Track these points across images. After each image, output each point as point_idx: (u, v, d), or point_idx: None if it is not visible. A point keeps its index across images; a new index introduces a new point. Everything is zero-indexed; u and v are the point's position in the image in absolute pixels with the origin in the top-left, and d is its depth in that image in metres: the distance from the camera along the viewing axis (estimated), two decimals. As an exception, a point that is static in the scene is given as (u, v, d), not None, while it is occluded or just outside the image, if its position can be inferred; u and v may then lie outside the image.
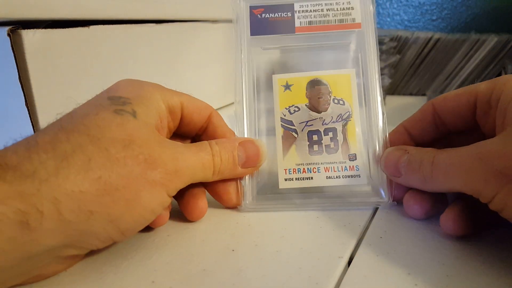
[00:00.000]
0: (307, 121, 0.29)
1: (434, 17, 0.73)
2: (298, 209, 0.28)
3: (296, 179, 0.28)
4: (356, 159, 0.28)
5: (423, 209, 0.26)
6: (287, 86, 0.30)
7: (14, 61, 0.27)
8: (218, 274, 0.21)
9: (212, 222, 0.27)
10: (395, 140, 0.28)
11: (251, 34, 0.30)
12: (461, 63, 0.62)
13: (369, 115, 0.29)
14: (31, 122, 0.28)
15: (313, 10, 0.30)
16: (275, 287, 0.20)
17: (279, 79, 0.30)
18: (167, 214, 0.25)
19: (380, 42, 0.58)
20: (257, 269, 0.22)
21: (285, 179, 0.28)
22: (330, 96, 0.29)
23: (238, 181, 0.28)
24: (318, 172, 0.28)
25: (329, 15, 0.30)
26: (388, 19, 0.78)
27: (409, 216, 0.26)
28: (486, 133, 0.25)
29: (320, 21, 0.30)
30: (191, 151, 0.24)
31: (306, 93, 0.30)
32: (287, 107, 0.29)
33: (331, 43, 0.30)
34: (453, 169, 0.22)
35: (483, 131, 0.26)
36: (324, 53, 0.31)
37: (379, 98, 0.29)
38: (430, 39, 0.61)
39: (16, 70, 0.27)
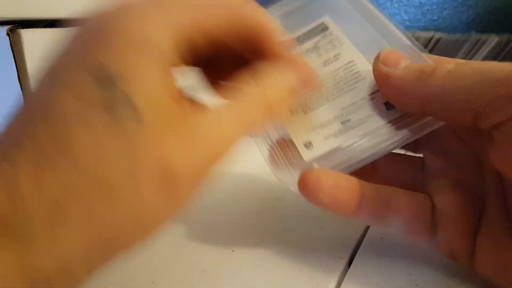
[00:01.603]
0: None
1: (435, 17, 0.73)
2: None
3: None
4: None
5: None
6: None
7: (13, 60, 0.27)
8: (218, 274, 0.21)
9: (212, 222, 0.27)
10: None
11: None
12: (462, 63, 0.62)
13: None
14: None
15: None
16: (275, 287, 0.20)
17: None
18: None
19: (381, 42, 0.58)
20: (257, 269, 0.22)
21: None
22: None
23: None
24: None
25: None
26: (389, 19, 0.78)
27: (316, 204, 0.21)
28: None
29: None
30: (228, 117, 0.17)
31: None
32: None
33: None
34: (461, 77, 0.18)
35: None
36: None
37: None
38: (431, 39, 0.61)
39: (15, 70, 0.27)
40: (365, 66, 0.22)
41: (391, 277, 0.21)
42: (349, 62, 0.23)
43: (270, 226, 0.26)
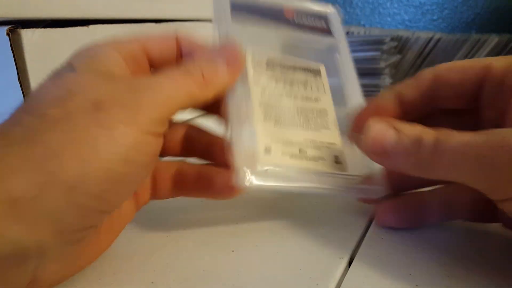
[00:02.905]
0: None
1: (435, 17, 0.73)
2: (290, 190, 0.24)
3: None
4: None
5: (399, 219, 0.25)
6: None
7: (13, 60, 0.27)
8: (218, 274, 0.21)
9: (212, 222, 0.27)
10: (382, 105, 0.24)
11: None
12: (462, 63, 0.61)
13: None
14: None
15: None
16: (275, 287, 0.20)
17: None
18: (171, 170, 0.24)
19: (381, 42, 0.58)
20: (257, 269, 0.22)
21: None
22: None
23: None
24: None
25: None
26: (389, 19, 0.78)
27: (383, 226, 0.25)
28: (486, 118, 0.23)
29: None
30: (157, 75, 0.20)
31: None
32: None
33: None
34: (465, 158, 0.18)
35: (483, 115, 0.23)
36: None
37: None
38: (431, 39, 0.61)
39: (15, 70, 0.27)
40: (333, 119, 0.26)
41: (391, 277, 0.21)
42: (324, 110, 0.26)
43: (270, 226, 0.26)
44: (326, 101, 0.27)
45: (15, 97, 0.27)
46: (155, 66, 0.23)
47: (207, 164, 0.25)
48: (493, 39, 0.59)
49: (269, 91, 0.26)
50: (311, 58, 0.28)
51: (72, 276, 0.20)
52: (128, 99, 0.18)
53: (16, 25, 0.26)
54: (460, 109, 0.24)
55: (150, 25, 0.37)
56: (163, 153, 0.25)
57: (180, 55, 0.24)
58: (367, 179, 0.24)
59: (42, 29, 0.27)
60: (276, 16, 0.28)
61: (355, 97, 0.28)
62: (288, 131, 0.24)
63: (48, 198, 0.16)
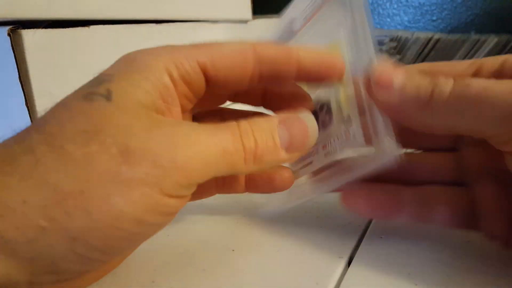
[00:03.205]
0: None
1: (434, 18, 0.73)
2: (311, 199, 0.25)
3: (300, 168, 0.25)
4: (350, 120, 0.23)
5: (368, 206, 0.23)
6: None
7: (14, 61, 0.27)
8: (218, 274, 0.21)
9: (212, 222, 0.27)
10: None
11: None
12: (461, 64, 0.62)
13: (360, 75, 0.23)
14: (31, 122, 0.28)
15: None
16: (275, 287, 0.20)
17: None
18: (211, 184, 0.23)
19: (380, 43, 0.58)
20: (257, 269, 0.22)
21: (292, 172, 0.25)
22: None
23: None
24: (317, 153, 0.24)
25: None
26: (388, 20, 0.78)
27: (350, 209, 0.23)
28: None
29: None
30: (204, 132, 0.17)
31: None
32: None
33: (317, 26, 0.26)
34: (491, 95, 0.16)
35: None
36: (311, 37, 0.26)
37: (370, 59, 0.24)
38: (430, 39, 0.61)
39: (16, 70, 0.27)
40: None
41: (391, 277, 0.21)
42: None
43: (270, 226, 0.26)
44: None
45: (16, 98, 0.27)
46: (216, 86, 0.20)
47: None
48: (492, 40, 0.59)
49: None
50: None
51: None
52: (161, 155, 0.16)
53: (17, 26, 0.26)
54: None
55: (150, 26, 0.37)
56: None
57: (257, 76, 0.20)
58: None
59: (43, 30, 0.27)
60: None
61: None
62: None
63: (46, 244, 0.15)
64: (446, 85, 0.18)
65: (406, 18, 0.75)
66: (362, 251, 0.23)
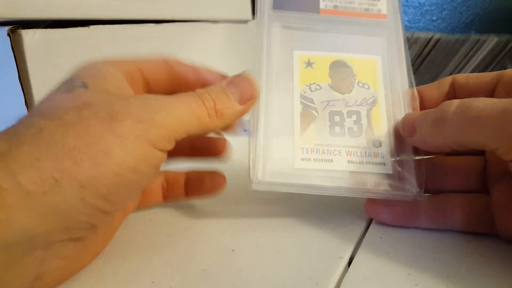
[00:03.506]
0: (329, 101, 0.27)
1: (434, 18, 0.73)
2: (314, 192, 0.25)
3: (314, 159, 0.26)
4: (381, 146, 0.26)
5: (390, 215, 0.25)
6: (309, 63, 0.28)
7: (14, 61, 0.27)
8: (218, 274, 0.21)
9: (212, 222, 0.27)
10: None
11: (274, 8, 0.29)
12: (461, 64, 0.62)
13: (395, 103, 0.27)
14: (31, 122, 0.28)
15: None
16: (275, 287, 0.20)
17: (300, 56, 0.28)
18: (158, 188, 0.27)
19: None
20: (257, 269, 0.22)
21: (302, 159, 0.25)
22: (355, 79, 0.28)
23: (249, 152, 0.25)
24: (339, 155, 0.26)
25: (354, 2, 0.29)
26: (388, 20, 0.77)
27: (372, 217, 0.26)
28: None
29: (345, 6, 0.29)
30: (170, 97, 0.21)
31: (329, 73, 0.28)
32: (308, 84, 0.27)
33: (356, 28, 0.29)
34: (488, 116, 0.20)
35: None
36: (349, 37, 0.29)
37: (405, 87, 0.28)
38: (430, 39, 0.61)
39: (16, 70, 0.27)
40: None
41: (391, 277, 0.21)
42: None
43: (270, 226, 0.26)
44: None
45: (16, 98, 0.27)
46: (149, 86, 0.25)
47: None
48: (492, 40, 0.59)
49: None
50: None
51: (72, 275, 0.21)
52: (142, 115, 0.19)
53: (16, 26, 0.26)
54: None
55: (150, 26, 0.37)
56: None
57: (173, 79, 0.25)
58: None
59: (43, 30, 0.27)
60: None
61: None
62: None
63: (60, 195, 0.17)
64: (450, 107, 0.21)
65: (406, 18, 0.75)
66: (363, 251, 0.23)
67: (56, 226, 0.17)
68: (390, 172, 0.25)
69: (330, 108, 0.27)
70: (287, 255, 0.23)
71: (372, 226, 0.26)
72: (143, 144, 0.19)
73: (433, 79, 0.64)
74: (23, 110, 0.27)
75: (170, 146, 0.21)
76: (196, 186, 0.27)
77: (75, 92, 0.20)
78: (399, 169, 0.25)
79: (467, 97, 0.24)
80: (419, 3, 0.73)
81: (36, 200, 0.16)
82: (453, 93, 0.27)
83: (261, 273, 0.21)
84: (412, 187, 0.25)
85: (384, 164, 0.26)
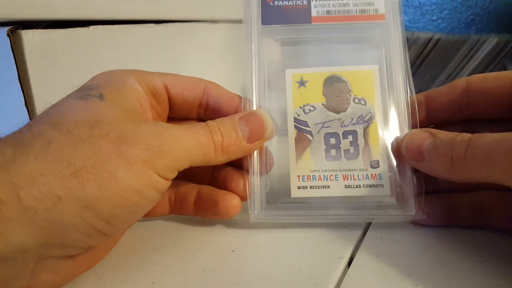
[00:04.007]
0: (324, 122, 0.26)
1: (434, 18, 0.73)
2: (313, 220, 0.25)
3: (310, 187, 0.25)
4: (379, 166, 0.25)
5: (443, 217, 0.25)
6: (302, 83, 0.27)
7: (14, 61, 0.27)
8: (218, 274, 0.21)
9: (212, 222, 0.27)
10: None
11: (262, 23, 0.27)
12: (462, 63, 0.62)
13: (394, 117, 0.26)
14: (31, 122, 0.28)
15: None
16: (275, 287, 0.20)
17: (293, 74, 0.27)
18: (165, 201, 0.25)
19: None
20: (257, 269, 0.22)
21: (298, 187, 0.25)
22: (350, 95, 0.27)
23: (247, 179, 0.25)
24: (335, 180, 0.25)
25: (349, 4, 0.27)
26: (388, 20, 0.77)
27: (426, 224, 0.25)
28: None
29: (339, 10, 0.27)
30: (181, 127, 0.21)
31: (323, 90, 0.27)
32: (302, 106, 0.26)
33: (351, 35, 0.28)
34: (498, 153, 0.19)
35: None
36: (343, 47, 0.28)
37: (404, 98, 0.26)
38: (430, 39, 0.61)
39: (16, 71, 0.27)
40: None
41: (391, 277, 0.21)
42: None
43: (270, 227, 0.26)
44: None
45: (16, 98, 0.27)
46: (175, 104, 0.25)
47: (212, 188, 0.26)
48: (493, 40, 0.59)
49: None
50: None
51: (62, 286, 0.20)
52: (151, 142, 0.19)
53: (16, 26, 0.26)
54: (498, 119, 0.24)
55: (150, 26, 0.37)
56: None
57: (205, 105, 0.26)
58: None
59: (43, 30, 0.27)
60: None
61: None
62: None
63: (61, 213, 0.17)
64: (461, 147, 0.21)
65: (406, 18, 0.75)
66: (362, 252, 0.23)
67: (53, 241, 0.17)
68: (389, 193, 0.25)
69: (325, 130, 0.26)
70: (287, 255, 0.23)
71: (372, 226, 0.26)
72: (148, 170, 0.19)
73: (433, 79, 0.64)
74: (23, 110, 0.27)
75: (172, 175, 0.21)
76: (207, 207, 0.25)
77: (89, 101, 0.20)
78: (398, 189, 0.25)
79: (483, 104, 0.24)
80: (419, 3, 0.73)
81: (36, 215, 0.16)
82: (467, 98, 0.25)
83: (261, 273, 0.21)
84: (411, 208, 0.24)
85: (382, 185, 0.25)
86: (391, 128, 0.26)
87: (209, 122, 0.23)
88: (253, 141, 0.24)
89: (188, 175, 0.26)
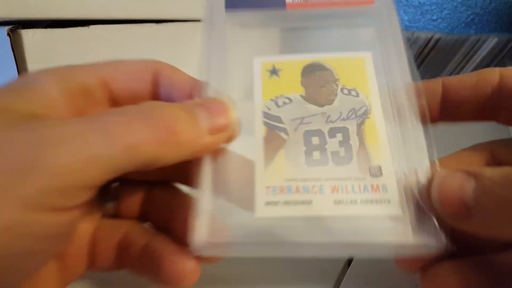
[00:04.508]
0: (303, 118, 0.20)
1: (434, 17, 0.73)
2: (287, 254, 0.17)
3: (285, 203, 0.18)
4: (381, 174, 0.19)
5: None
6: (274, 71, 0.22)
7: (14, 61, 0.27)
8: (218, 274, 0.21)
9: (212, 222, 0.27)
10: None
11: (226, 7, 0.23)
12: (462, 63, 0.62)
13: (399, 111, 0.20)
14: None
15: None
16: (275, 287, 0.20)
17: (262, 63, 0.22)
18: (80, 250, 0.19)
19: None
20: (257, 269, 0.22)
21: (267, 203, 0.18)
22: (337, 85, 0.21)
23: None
24: (320, 192, 0.18)
25: None
26: (388, 19, 0.78)
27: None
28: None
29: None
30: (81, 122, 0.15)
31: (301, 80, 0.21)
32: (273, 98, 0.21)
33: (335, 22, 0.23)
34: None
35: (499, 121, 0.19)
36: (327, 33, 0.23)
37: (408, 87, 0.21)
38: (431, 39, 0.61)
39: (16, 70, 0.27)
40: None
41: (391, 277, 0.21)
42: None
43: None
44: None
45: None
46: (122, 100, 0.19)
47: (161, 236, 0.19)
48: (493, 39, 0.59)
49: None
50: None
51: None
52: (19, 159, 0.13)
53: (16, 26, 0.26)
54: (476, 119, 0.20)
55: (150, 26, 0.37)
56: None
57: (156, 93, 0.20)
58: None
59: (43, 30, 0.27)
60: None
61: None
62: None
63: None
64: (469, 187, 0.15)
65: (406, 18, 0.75)
66: (362, 251, 0.23)
67: None
68: (400, 212, 0.17)
69: (305, 127, 0.20)
70: (287, 255, 0.23)
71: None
72: (6, 209, 0.12)
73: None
74: (23, 110, 0.27)
75: (76, 199, 0.14)
76: (147, 265, 0.19)
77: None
78: (412, 206, 0.17)
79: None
80: (419, 2, 0.73)
81: None
82: (498, 99, 0.19)
83: (261, 273, 0.21)
84: (434, 236, 0.17)
85: (389, 201, 0.18)
86: (394, 124, 0.20)
87: (152, 102, 0.17)
88: (215, 133, 0.17)
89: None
